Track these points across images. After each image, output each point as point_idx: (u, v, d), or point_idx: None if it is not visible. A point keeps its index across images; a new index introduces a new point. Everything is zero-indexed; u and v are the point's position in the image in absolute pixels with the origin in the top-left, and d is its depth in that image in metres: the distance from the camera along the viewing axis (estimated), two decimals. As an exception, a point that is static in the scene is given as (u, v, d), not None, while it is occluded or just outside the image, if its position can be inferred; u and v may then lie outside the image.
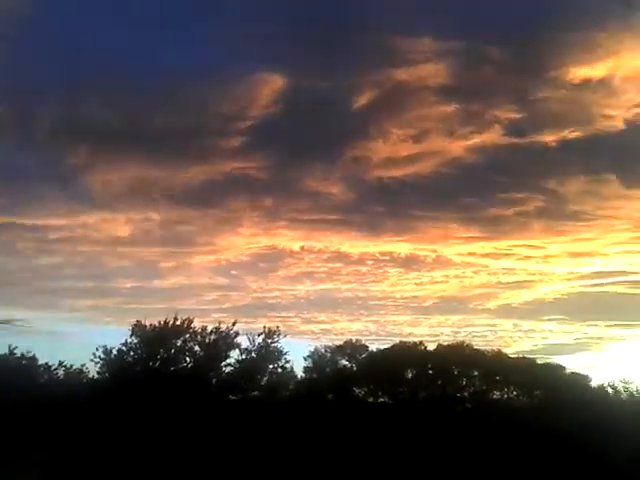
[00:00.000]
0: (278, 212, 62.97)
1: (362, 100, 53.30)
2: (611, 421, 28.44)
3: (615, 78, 52.36)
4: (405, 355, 39.09)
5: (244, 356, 33.23)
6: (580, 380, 37.90)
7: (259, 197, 62.36)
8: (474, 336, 71.51)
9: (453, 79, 53.73)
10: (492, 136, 55.22)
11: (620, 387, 33.80)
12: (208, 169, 57.00)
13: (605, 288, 79.68)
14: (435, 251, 71.04)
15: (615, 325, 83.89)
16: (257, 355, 33.38)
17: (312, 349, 40.79)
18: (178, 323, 32.50)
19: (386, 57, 52.65)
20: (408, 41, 50.46)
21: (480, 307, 78.85)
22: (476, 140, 56.13)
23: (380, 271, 73.81)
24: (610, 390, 34.26)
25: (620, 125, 54.72)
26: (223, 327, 33.07)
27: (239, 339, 33.29)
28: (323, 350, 40.74)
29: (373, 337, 69.10)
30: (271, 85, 51.45)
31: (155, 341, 31.90)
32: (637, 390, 33.32)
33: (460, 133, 57.15)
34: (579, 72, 51.03)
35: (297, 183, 61.24)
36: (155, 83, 51.00)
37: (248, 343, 33.43)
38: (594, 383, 37.40)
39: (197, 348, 32.63)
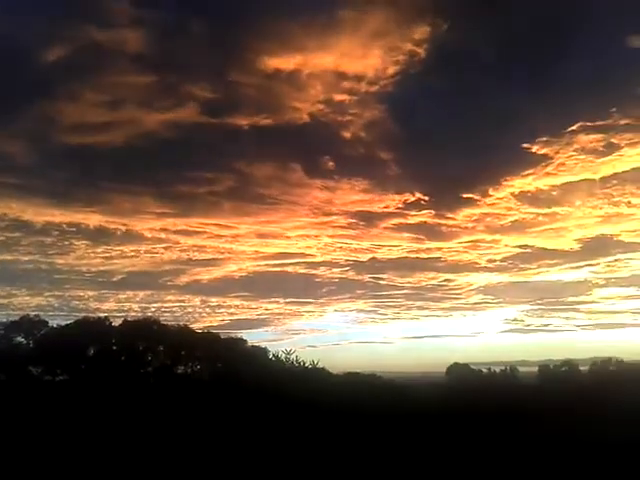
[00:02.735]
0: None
1: (53, 55, 50.97)
2: (280, 387, 33.38)
3: (303, 73, 59.48)
4: (88, 331, 39.54)
5: None
6: (258, 352, 42.88)
7: None
8: (163, 312, 74.66)
9: (150, 49, 54.89)
10: (187, 113, 58.15)
11: (283, 357, 39.44)
12: None
13: (286, 268, 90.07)
14: (126, 225, 71.99)
15: (293, 302, 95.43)
16: None
17: (-18, 326, 38.68)
18: None
19: (81, 12, 51.19)
20: (105, 1, 49.80)
21: (170, 283, 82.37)
22: (171, 115, 58.41)
23: (66, 243, 71.86)
24: (274, 359, 39.70)
25: (306, 118, 62.54)
26: None
27: None
28: (-5, 327, 38.89)
29: (56, 312, 67.19)
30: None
31: None
32: (296, 359, 39.32)
33: (156, 106, 58.65)
34: (271, 62, 56.69)
35: (-33, 138, 56.26)
36: None
37: None
38: (271, 355, 42.57)
39: None
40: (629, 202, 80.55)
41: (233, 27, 53.96)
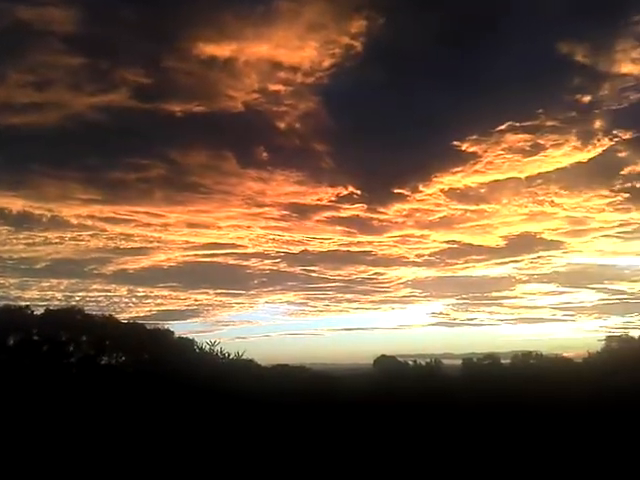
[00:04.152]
0: None
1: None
2: (204, 378, 34.01)
3: (238, 61, 59.57)
4: (8, 320, 39.07)
5: None
6: (185, 344, 43.26)
7: None
8: (88, 301, 73.60)
9: (82, 30, 53.47)
10: (119, 97, 57.02)
11: (207, 348, 40.14)
12: None
13: (217, 259, 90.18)
14: (51, 210, 70.24)
15: (223, 293, 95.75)
16: None
17: None
18: None
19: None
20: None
21: (95, 272, 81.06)
22: (102, 99, 57.22)
23: (-14, 228, 69.31)
24: (198, 351, 40.25)
25: (240, 107, 62.65)
26: None
27: None
28: None
29: (-26, 301, 64.92)
30: None
31: None
32: (221, 351, 40.09)
33: (86, 89, 57.26)
34: (206, 49, 56.39)
35: None
36: None
37: None
38: (199, 346, 43.00)
39: None
40: (552, 201, 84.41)
41: (168, 11, 53.47)
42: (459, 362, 57.31)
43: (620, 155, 75.30)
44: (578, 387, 36.49)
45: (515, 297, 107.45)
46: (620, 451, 21.20)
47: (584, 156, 74.13)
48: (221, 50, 57.84)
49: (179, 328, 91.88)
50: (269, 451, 22.18)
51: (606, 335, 55.80)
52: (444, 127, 75.17)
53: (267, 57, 60.78)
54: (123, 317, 50.40)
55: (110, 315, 45.14)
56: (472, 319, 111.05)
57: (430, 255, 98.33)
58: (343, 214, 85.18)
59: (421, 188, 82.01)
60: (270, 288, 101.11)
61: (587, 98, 70.66)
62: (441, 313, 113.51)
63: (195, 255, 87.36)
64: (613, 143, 72.78)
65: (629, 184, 79.07)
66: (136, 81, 57.36)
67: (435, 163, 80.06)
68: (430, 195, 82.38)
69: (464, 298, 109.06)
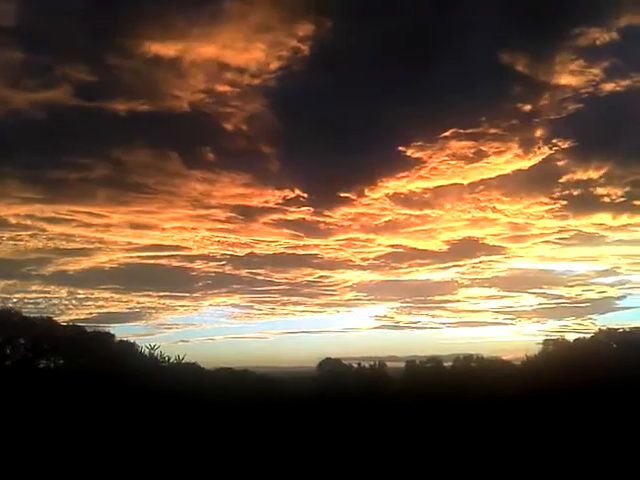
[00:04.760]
0: None
1: None
2: (143, 382, 33.66)
3: (185, 61, 59.10)
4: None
5: None
6: (125, 347, 42.60)
7: None
8: (26, 303, 71.60)
9: (22, 24, 52.10)
10: (61, 94, 55.58)
11: (147, 352, 39.77)
12: None
13: (161, 260, 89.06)
14: (-11, 210, 67.88)
15: (167, 296, 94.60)
16: None
17: None
18: None
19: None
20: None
21: (34, 273, 78.95)
22: (43, 95, 55.74)
23: None
24: (137, 354, 39.75)
25: (185, 107, 62.17)
26: None
27: None
28: None
29: None
30: None
31: None
32: (161, 354, 39.76)
33: (26, 85, 55.69)
34: (152, 47, 55.72)
35: None
36: None
37: None
38: (139, 350, 42.37)
39: None
40: (494, 207, 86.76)
41: (113, 7, 52.54)
42: (402, 364, 58.12)
43: (559, 163, 78.11)
44: (515, 388, 37.63)
45: (457, 301, 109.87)
46: (551, 446, 22.13)
47: (525, 164, 76.56)
48: (167, 49, 57.39)
49: (120, 331, 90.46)
50: (210, 454, 22.22)
51: (543, 338, 57.40)
52: (390, 132, 76.33)
53: (214, 58, 60.61)
54: (62, 319, 49.29)
55: (49, 317, 44.08)
56: (415, 322, 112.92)
57: (375, 259, 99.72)
58: (289, 217, 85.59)
59: (367, 192, 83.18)
60: (215, 291, 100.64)
61: (528, 107, 72.96)
62: (385, 316, 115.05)
63: (138, 257, 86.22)
64: (552, 152, 75.46)
65: (567, 192, 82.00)
66: (78, 78, 56.28)
67: (381, 168, 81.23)
68: (376, 199, 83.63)
69: (407, 302, 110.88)
